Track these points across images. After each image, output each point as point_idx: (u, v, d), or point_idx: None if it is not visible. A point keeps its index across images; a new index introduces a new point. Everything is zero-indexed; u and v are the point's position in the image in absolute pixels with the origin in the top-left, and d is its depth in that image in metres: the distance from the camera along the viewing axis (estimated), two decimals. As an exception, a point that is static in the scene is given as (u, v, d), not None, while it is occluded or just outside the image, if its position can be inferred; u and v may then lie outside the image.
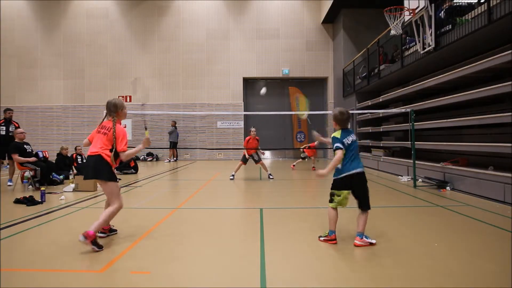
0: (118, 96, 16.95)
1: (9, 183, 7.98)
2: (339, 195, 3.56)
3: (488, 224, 4.38)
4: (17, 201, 5.80)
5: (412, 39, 9.25)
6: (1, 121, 8.29)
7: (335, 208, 3.61)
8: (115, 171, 3.73)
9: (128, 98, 17.09)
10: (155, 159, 16.70)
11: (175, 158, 16.26)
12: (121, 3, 17.70)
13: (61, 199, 6.14)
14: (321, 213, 4.81)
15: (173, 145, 15.93)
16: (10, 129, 8.22)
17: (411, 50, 9.31)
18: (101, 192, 6.71)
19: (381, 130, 11.74)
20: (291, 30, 17.47)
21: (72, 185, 7.09)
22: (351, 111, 14.18)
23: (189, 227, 4.31)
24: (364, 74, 13.08)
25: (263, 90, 9.67)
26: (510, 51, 5.69)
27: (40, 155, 8.05)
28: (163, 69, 17.56)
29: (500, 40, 6.83)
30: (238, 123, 17.41)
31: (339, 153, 3.49)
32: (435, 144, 8.41)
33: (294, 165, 11.62)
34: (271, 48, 17.49)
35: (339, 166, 3.55)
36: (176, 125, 16.51)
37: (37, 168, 7.39)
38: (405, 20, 8.47)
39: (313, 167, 11.58)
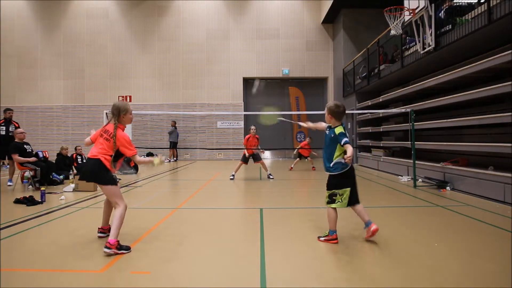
0: (119, 97, 17.01)
1: (9, 183, 7.98)
2: (341, 194, 3.52)
3: (488, 224, 4.38)
4: (17, 201, 5.80)
5: (412, 39, 9.25)
6: (1, 121, 8.29)
7: (334, 208, 3.60)
8: (115, 172, 3.68)
9: (128, 98, 17.11)
10: (155, 159, 16.67)
11: (175, 158, 16.26)
12: (121, 3, 17.70)
13: (61, 199, 6.14)
14: (321, 213, 4.81)
15: (173, 145, 15.93)
16: (10, 129, 8.23)
17: (411, 50, 9.31)
18: (101, 192, 6.71)
19: (381, 130, 11.74)
20: (291, 30, 17.47)
21: (72, 185, 7.09)
22: (351, 111, 14.16)
23: (189, 227, 4.31)
24: (364, 74, 13.08)
25: (256, 83, 9.68)
26: (510, 51, 5.69)
27: (40, 155, 8.04)
28: (163, 69, 17.57)
29: (500, 40, 6.83)
30: (238, 123, 17.42)
31: (351, 147, 3.42)
32: (435, 144, 8.40)
33: (292, 167, 11.58)
34: (271, 48, 17.49)
35: (342, 160, 3.50)
36: (176, 125, 16.52)
37: (37, 168, 7.39)
38: (405, 20, 8.47)
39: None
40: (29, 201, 5.70)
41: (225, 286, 2.63)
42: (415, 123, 7.83)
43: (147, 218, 4.74)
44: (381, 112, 10.94)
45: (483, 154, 7.41)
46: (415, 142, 7.84)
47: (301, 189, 8.06)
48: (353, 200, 3.58)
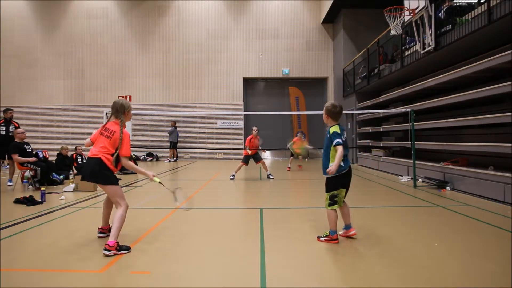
0: (119, 97, 17.00)
1: (9, 183, 7.98)
2: (338, 194, 3.56)
3: (488, 224, 4.38)
4: (17, 201, 5.80)
5: (412, 39, 9.25)
6: (1, 121, 8.29)
7: (334, 209, 3.61)
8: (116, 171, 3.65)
9: (128, 98, 17.10)
10: (155, 159, 16.71)
11: (175, 158, 16.26)
12: (121, 3, 17.70)
13: (61, 199, 6.13)
14: (321, 213, 4.81)
15: (173, 145, 15.93)
16: (10, 129, 8.22)
17: (411, 50, 9.31)
18: (101, 192, 6.71)
19: (381, 130, 11.74)
20: (291, 30, 17.46)
21: (72, 185, 7.09)
22: (351, 111, 14.15)
23: (189, 227, 4.31)
24: (364, 74, 13.08)
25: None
26: (510, 51, 5.69)
27: (40, 155, 8.04)
28: (163, 69, 17.57)
29: (500, 40, 6.83)
30: (238, 123, 17.41)
31: (341, 149, 3.46)
32: (435, 144, 8.40)
33: (289, 167, 11.57)
34: (271, 48, 17.49)
35: (341, 163, 3.51)
36: (176, 125, 16.52)
37: (37, 168, 7.39)
38: (405, 20, 8.47)
39: (299, 165, 11.62)
40: (29, 201, 5.70)
41: (225, 286, 2.63)
42: (415, 123, 7.82)
43: (147, 218, 4.73)
44: (381, 112, 10.94)
45: (483, 154, 7.41)
46: (415, 142, 7.84)
47: (301, 189, 8.06)
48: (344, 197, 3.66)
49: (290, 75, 17.51)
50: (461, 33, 6.87)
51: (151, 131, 17.43)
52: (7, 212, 5.18)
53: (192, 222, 4.59)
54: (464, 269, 2.95)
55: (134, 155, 15.09)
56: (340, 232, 3.78)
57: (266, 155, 17.62)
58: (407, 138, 9.97)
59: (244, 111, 17.27)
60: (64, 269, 2.96)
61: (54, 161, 8.66)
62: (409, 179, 8.53)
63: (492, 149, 6.38)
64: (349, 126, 14.67)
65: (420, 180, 8.05)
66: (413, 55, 9.14)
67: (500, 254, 3.29)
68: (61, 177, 8.05)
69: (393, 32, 9.04)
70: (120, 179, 8.36)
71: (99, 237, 3.78)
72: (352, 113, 13.84)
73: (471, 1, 7.30)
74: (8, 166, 8.55)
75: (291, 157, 11.72)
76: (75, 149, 9.71)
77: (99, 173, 3.39)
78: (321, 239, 3.67)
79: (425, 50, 8.14)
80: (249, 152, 9.00)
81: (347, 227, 3.74)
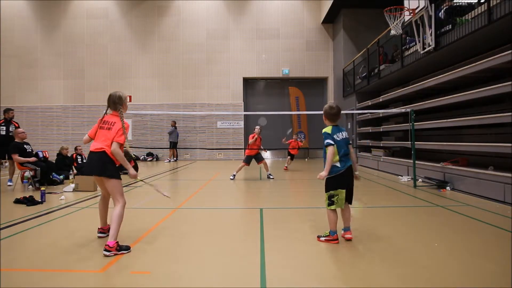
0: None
1: (9, 183, 7.98)
2: (337, 195, 3.54)
3: (488, 224, 4.38)
4: (17, 201, 5.80)
5: (412, 39, 9.25)
6: (1, 121, 8.29)
7: (334, 210, 3.61)
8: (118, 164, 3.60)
9: (128, 98, 17.07)
10: (155, 159, 16.71)
11: (175, 158, 16.25)
12: (121, 3, 17.70)
13: (61, 199, 6.13)
14: (321, 213, 4.81)
15: (173, 145, 15.93)
16: (10, 129, 8.23)
17: (411, 50, 9.30)
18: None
19: (381, 130, 11.74)
20: (291, 30, 17.46)
21: (72, 185, 7.09)
22: (351, 111, 14.15)
23: (189, 227, 4.31)
24: (364, 74, 13.08)
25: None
26: (510, 51, 5.69)
27: (40, 155, 8.05)
28: (163, 69, 17.56)
29: (500, 40, 6.83)
30: (238, 123, 17.41)
31: (331, 149, 3.49)
32: (435, 144, 8.40)
33: (286, 167, 11.64)
34: (271, 48, 17.49)
35: (337, 164, 3.54)
36: (176, 125, 16.52)
37: (37, 168, 7.39)
38: (405, 20, 8.47)
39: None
40: (29, 201, 5.70)
41: (225, 286, 2.63)
42: (415, 123, 7.83)
43: (147, 218, 4.74)
44: (381, 112, 10.94)
45: (483, 154, 7.41)
46: (415, 142, 7.84)
47: (301, 189, 8.06)
48: (347, 199, 3.62)
49: (290, 75, 17.51)
50: (461, 33, 6.87)
51: (151, 131, 17.43)
52: (7, 212, 5.18)
53: (192, 222, 4.59)
54: (464, 269, 2.95)
55: (134, 155, 15.09)
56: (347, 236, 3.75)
57: (267, 155, 17.63)
58: (407, 138, 9.97)
59: (244, 111, 17.27)
60: (64, 269, 2.96)
61: (54, 161, 8.66)
62: (409, 179, 8.53)
63: (492, 149, 6.38)
64: (349, 126, 14.67)
65: (420, 180, 8.05)
66: (413, 55, 9.14)
67: (500, 254, 3.29)
68: (61, 177, 8.05)
69: (393, 32, 9.04)
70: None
71: (99, 237, 3.78)
72: (352, 113, 13.84)
73: (471, 1, 7.30)
74: (8, 166, 8.55)
75: (288, 157, 11.82)
76: (75, 149, 9.70)
77: (103, 166, 3.35)
78: (321, 239, 3.67)
79: (425, 50, 8.14)
80: (253, 143, 8.94)
81: (346, 229, 3.73)
